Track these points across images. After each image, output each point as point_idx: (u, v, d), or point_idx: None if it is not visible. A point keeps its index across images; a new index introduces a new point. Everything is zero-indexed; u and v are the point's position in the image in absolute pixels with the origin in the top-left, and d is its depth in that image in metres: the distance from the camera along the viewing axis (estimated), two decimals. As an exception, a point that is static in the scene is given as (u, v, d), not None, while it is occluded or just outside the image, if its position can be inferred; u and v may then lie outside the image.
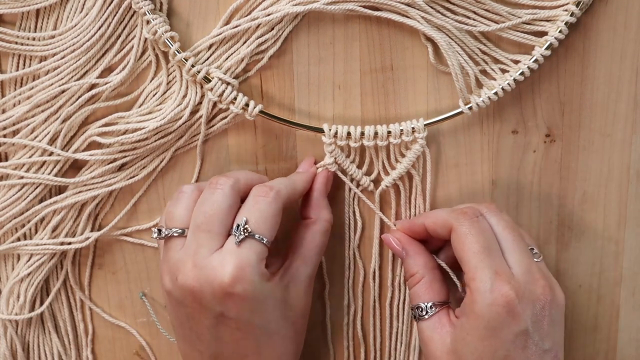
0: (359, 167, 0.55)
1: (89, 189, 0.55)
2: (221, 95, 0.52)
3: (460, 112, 0.54)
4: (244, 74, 0.54)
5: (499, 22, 0.52)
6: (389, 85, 0.55)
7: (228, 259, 0.45)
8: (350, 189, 0.56)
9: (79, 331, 0.59)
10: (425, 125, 0.53)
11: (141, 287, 0.58)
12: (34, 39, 0.52)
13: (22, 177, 0.54)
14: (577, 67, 0.55)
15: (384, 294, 0.58)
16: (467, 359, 0.46)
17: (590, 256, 0.59)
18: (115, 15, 0.52)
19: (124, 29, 0.53)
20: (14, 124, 0.54)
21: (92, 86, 0.53)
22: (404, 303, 0.58)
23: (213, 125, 0.55)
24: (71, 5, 0.52)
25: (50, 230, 0.56)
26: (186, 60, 0.52)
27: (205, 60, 0.53)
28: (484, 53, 0.54)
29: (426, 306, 0.49)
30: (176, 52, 0.52)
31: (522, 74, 0.53)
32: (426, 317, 0.49)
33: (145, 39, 0.53)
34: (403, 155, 0.54)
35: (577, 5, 0.51)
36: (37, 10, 0.52)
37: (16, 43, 0.52)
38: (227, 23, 0.52)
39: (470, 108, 0.53)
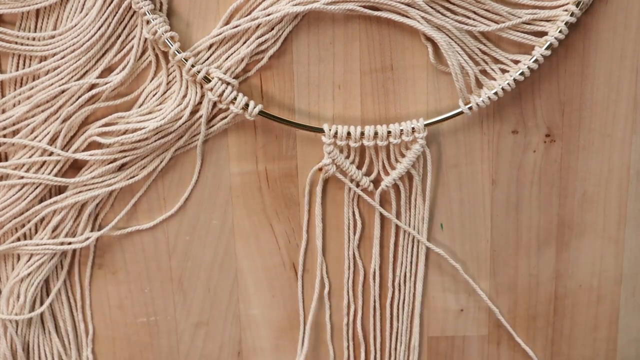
0: (359, 167, 0.55)
1: (89, 189, 0.55)
2: (221, 95, 0.52)
3: (460, 112, 0.54)
4: (244, 74, 0.54)
5: (499, 22, 0.52)
6: (389, 85, 0.54)
7: None
8: (350, 189, 0.55)
9: (79, 331, 0.59)
10: (425, 125, 0.53)
11: (141, 287, 0.58)
12: (34, 39, 0.52)
13: (22, 177, 0.54)
14: (577, 67, 0.55)
15: (384, 294, 0.58)
16: None
17: (590, 256, 0.59)
18: (115, 16, 0.52)
19: (124, 29, 0.53)
20: (14, 124, 0.54)
21: (92, 86, 0.53)
22: (404, 303, 0.58)
23: (213, 125, 0.55)
24: (71, 6, 0.52)
25: (50, 230, 0.55)
26: (186, 60, 0.52)
27: (205, 60, 0.53)
28: (484, 53, 0.54)
29: None
30: (176, 52, 0.51)
31: (522, 74, 0.53)
32: None
33: (145, 39, 0.53)
34: (403, 155, 0.54)
35: (577, 6, 0.51)
36: (37, 11, 0.52)
37: (16, 43, 0.52)
38: (227, 23, 0.52)
39: (470, 108, 0.53)
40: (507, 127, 0.56)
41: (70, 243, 0.56)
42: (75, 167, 0.55)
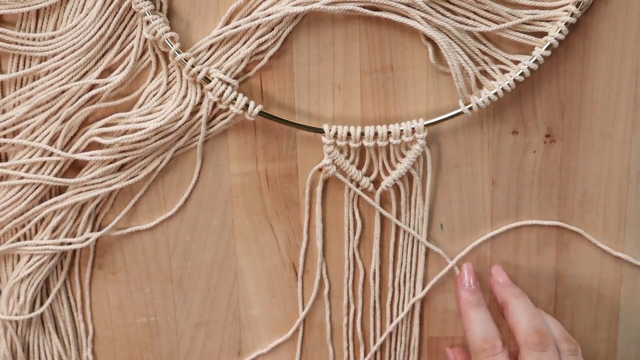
0: (359, 167, 0.55)
1: (89, 190, 0.55)
2: (221, 95, 0.52)
3: (460, 113, 0.54)
4: (244, 74, 0.54)
5: (499, 23, 0.52)
6: (389, 86, 0.54)
7: None
8: (350, 190, 0.55)
9: (79, 331, 0.59)
10: (425, 125, 0.53)
11: (141, 287, 0.58)
12: (34, 39, 0.52)
13: (22, 178, 0.54)
14: (577, 68, 0.55)
15: (383, 294, 0.58)
16: None
17: (590, 256, 0.59)
18: (115, 16, 0.52)
19: (124, 29, 0.53)
20: (14, 125, 0.54)
21: (92, 86, 0.53)
22: (403, 303, 0.58)
23: (213, 126, 0.55)
24: (71, 6, 0.52)
25: (50, 231, 0.55)
26: (186, 60, 0.52)
27: (206, 61, 0.53)
28: (484, 53, 0.54)
29: None
30: (176, 52, 0.51)
31: (522, 74, 0.53)
32: None
33: (145, 40, 0.53)
34: (403, 156, 0.54)
35: (577, 6, 0.51)
36: (37, 11, 0.52)
37: (16, 43, 0.52)
38: (227, 23, 0.52)
39: (470, 108, 0.53)
40: (507, 128, 0.56)
41: (70, 243, 0.56)
42: (76, 167, 0.55)
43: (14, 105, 0.54)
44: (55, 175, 0.54)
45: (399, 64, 0.54)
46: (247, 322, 0.59)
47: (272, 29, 0.52)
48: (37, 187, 0.54)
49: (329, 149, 0.53)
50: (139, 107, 0.54)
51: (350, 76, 0.54)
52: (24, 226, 0.56)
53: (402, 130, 0.53)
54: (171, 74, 0.54)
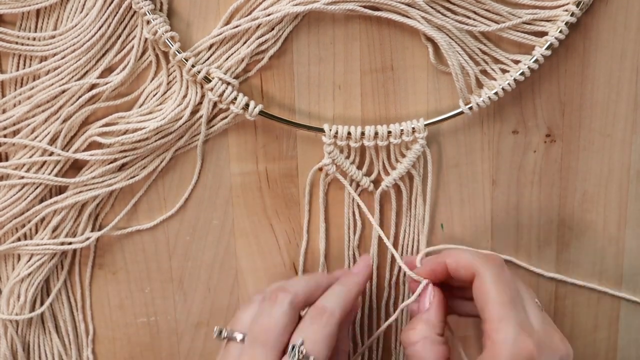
0: (359, 167, 0.55)
1: (90, 189, 0.55)
2: (221, 95, 0.52)
3: (461, 112, 0.54)
4: (244, 74, 0.54)
5: (499, 22, 0.52)
6: (389, 85, 0.55)
7: None
8: (350, 187, 0.56)
9: (79, 331, 0.59)
10: (426, 125, 0.53)
11: (141, 287, 0.58)
12: (34, 39, 0.52)
13: (22, 177, 0.54)
14: (577, 67, 0.55)
15: (383, 294, 0.58)
16: None
17: (590, 256, 0.59)
18: (115, 16, 0.52)
19: (124, 29, 0.53)
20: (14, 124, 0.54)
21: (93, 86, 0.53)
22: (403, 302, 0.58)
23: (213, 125, 0.55)
24: (71, 6, 0.52)
25: (50, 231, 0.55)
26: (186, 60, 0.52)
27: (206, 61, 0.53)
28: (484, 53, 0.54)
29: None
30: (176, 52, 0.52)
31: (522, 74, 0.53)
32: None
33: (146, 39, 0.53)
34: (403, 156, 0.54)
35: (577, 5, 0.51)
36: (38, 11, 0.52)
37: (16, 43, 0.52)
38: (227, 23, 0.52)
39: (470, 108, 0.53)
40: (508, 127, 0.56)
41: (70, 243, 0.56)
42: (76, 167, 0.55)
43: (15, 105, 0.54)
44: (56, 175, 0.54)
45: (399, 63, 0.54)
46: (247, 322, 0.59)
47: (273, 29, 0.52)
48: (37, 187, 0.54)
49: (329, 148, 0.53)
50: (139, 106, 0.54)
51: (350, 76, 0.54)
52: (24, 226, 0.56)
53: (402, 130, 0.53)
54: (171, 73, 0.54)
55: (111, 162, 0.54)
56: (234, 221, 0.57)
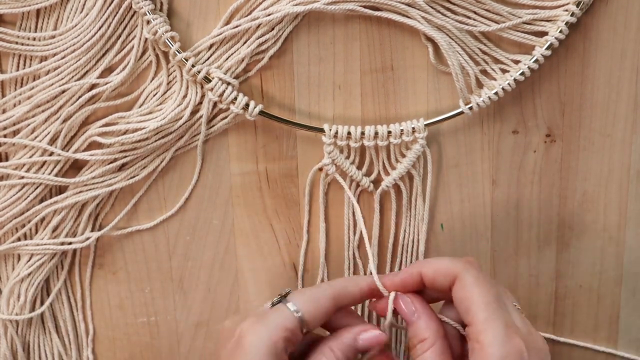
0: (359, 167, 0.55)
1: (90, 189, 0.55)
2: (221, 95, 0.52)
3: (461, 112, 0.54)
4: (244, 74, 0.54)
5: (499, 22, 0.52)
6: (389, 85, 0.55)
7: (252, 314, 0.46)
8: (349, 190, 0.55)
9: (79, 331, 0.59)
10: (426, 125, 0.53)
11: (141, 287, 0.58)
12: (34, 39, 0.52)
13: (22, 177, 0.54)
14: (577, 67, 0.55)
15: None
16: None
17: (590, 256, 0.59)
18: (115, 16, 0.52)
19: (124, 29, 0.53)
20: (14, 124, 0.54)
21: (93, 86, 0.53)
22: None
23: (213, 125, 0.55)
24: (71, 6, 0.52)
25: (50, 230, 0.56)
26: (186, 60, 0.52)
27: (206, 61, 0.53)
28: (485, 53, 0.54)
29: None
30: (176, 52, 0.52)
31: (522, 74, 0.53)
32: None
33: (146, 39, 0.53)
34: (403, 156, 0.54)
35: (577, 5, 0.51)
36: (38, 10, 0.52)
37: (16, 43, 0.52)
38: (227, 23, 0.52)
39: (470, 108, 0.53)
40: (508, 127, 0.56)
41: (70, 243, 0.56)
42: (76, 167, 0.55)
43: (15, 105, 0.54)
44: (56, 175, 0.54)
45: (399, 63, 0.54)
46: (248, 321, 0.59)
47: (273, 29, 0.52)
48: (37, 187, 0.54)
49: (329, 148, 0.53)
50: (139, 106, 0.54)
51: (350, 76, 0.54)
52: (24, 226, 0.56)
53: (402, 130, 0.53)
54: (171, 73, 0.54)
55: (111, 162, 0.54)
56: (234, 221, 0.57)
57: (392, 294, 0.47)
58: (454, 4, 0.52)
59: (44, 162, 0.54)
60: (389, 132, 0.53)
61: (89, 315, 0.59)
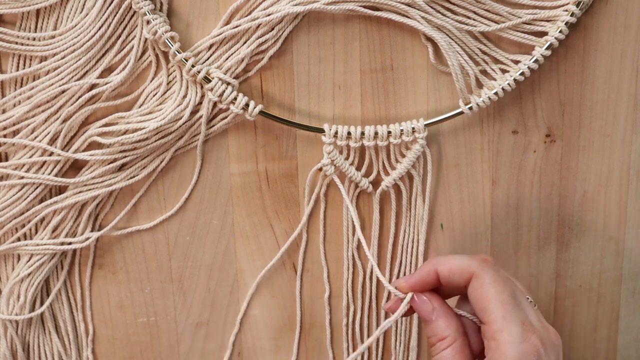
0: (358, 168, 0.55)
1: (89, 189, 0.55)
2: (221, 95, 0.52)
3: (461, 112, 0.54)
4: (244, 74, 0.54)
5: (499, 22, 0.52)
6: (389, 85, 0.55)
7: None
8: (348, 190, 0.55)
9: (79, 331, 0.59)
10: (426, 125, 0.53)
11: (141, 287, 0.58)
12: (34, 39, 0.52)
13: (22, 177, 0.54)
14: (577, 67, 0.55)
15: (382, 294, 0.58)
16: None
17: (590, 256, 0.59)
18: (115, 16, 0.52)
19: (124, 29, 0.53)
20: (14, 124, 0.54)
21: (93, 86, 0.53)
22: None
23: (213, 126, 0.55)
24: (71, 6, 0.52)
25: (50, 231, 0.56)
26: (186, 60, 0.52)
27: (206, 61, 0.53)
28: (484, 53, 0.54)
29: None
30: (176, 52, 0.52)
31: (522, 74, 0.53)
32: None
33: (146, 39, 0.53)
34: (403, 156, 0.54)
35: (577, 6, 0.51)
36: (37, 11, 0.52)
37: (16, 43, 0.52)
38: (227, 23, 0.52)
39: (470, 108, 0.53)
40: (507, 127, 0.56)
41: (70, 243, 0.56)
42: (76, 167, 0.55)
43: (14, 105, 0.54)
44: (56, 175, 0.54)
45: (399, 63, 0.54)
46: (247, 322, 0.59)
47: (272, 29, 0.52)
48: (37, 187, 0.54)
49: (328, 148, 0.53)
50: (139, 106, 0.54)
51: (350, 76, 0.54)
52: (24, 226, 0.56)
53: (402, 130, 0.53)
54: (171, 73, 0.54)
55: (111, 162, 0.54)
56: (234, 221, 0.57)
57: (409, 295, 0.48)
58: (453, 4, 0.52)
59: (44, 162, 0.54)
60: (389, 132, 0.53)
61: (88, 316, 0.59)
